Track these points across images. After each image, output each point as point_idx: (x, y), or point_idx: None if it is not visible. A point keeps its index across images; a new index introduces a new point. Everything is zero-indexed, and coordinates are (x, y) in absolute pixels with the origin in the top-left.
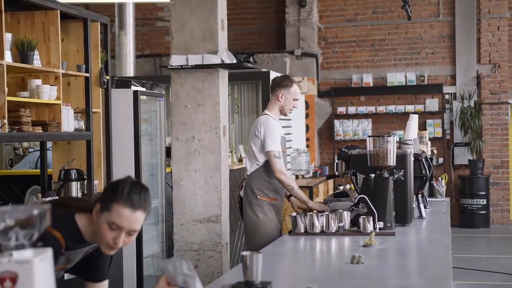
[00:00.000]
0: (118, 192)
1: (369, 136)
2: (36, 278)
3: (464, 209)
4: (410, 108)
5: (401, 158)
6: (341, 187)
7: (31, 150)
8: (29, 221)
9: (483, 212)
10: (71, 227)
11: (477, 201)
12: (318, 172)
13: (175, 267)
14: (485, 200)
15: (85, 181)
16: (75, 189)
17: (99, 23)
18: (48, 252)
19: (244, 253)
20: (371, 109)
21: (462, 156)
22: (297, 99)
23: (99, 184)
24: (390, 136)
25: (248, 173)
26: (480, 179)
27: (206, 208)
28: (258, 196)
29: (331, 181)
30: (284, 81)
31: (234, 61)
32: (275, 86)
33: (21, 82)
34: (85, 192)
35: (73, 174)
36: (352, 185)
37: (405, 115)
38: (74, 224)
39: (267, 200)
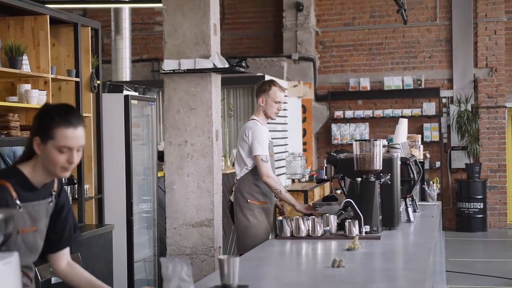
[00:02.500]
0: (54, 118)
1: (355, 140)
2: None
3: (461, 212)
4: (407, 112)
5: (388, 162)
6: (339, 191)
7: None
8: None
9: (480, 215)
10: (17, 175)
11: (474, 204)
12: (315, 176)
13: (174, 269)
14: (482, 203)
15: (76, 185)
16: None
17: (89, 28)
18: (14, 256)
19: (221, 257)
20: (368, 113)
21: (459, 160)
22: (278, 102)
23: (89, 189)
24: (376, 140)
25: (237, 178)
26: (477, 182)
27: (198, 212)
28: (248, 200)
29: (327, 185)
30: (263, 86)
31: (226, 65)
32: (256, 92)
33: (10, 87)
34: (76, 196)
35: (63, 179)
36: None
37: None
38: (19, 173)
39: (257, 204)
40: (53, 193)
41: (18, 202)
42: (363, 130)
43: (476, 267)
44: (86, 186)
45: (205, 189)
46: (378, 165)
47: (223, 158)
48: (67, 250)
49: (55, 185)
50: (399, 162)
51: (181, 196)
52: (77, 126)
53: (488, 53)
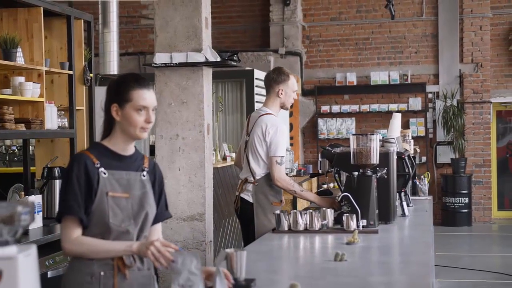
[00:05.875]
0: (129, 83)
1: (352, 134)
2: (20, 274)
3: (446, 207)
4: (393, 107)
5: (384, 156)
6: (325, 186)
7: (14, 148)
8: (13, 218)
9: (465, 210)
10: (98, 146)
11: (459, 199)
12: (302, 170)
13: (184, 262)
14: (467, 198)
15: None
16: (59, 187)
17: (82, 20)
18: (33, 249)
19: (229, 250)
20: (355, 107)
21: (445, 155)
22: (296, 90)
23: None
24: (373, 134)
25: (256, 177)
26: (463, 177)
27: (190, 206)
28: (273, 203)
29: (315, 180)
30: (281, 76)
31: (218, 59)
32: (272, 83)
33: (3, 79)
34: None
35: (57, 172)
36: (335, 183)
37: (389, 114)
38: (100, 144)
39: (279, 206)
40: (145, 168)
41: (102, 169)
42: (350, 125)
43: (462, 261)
44: None
45: (197, 183)
46: (375, 159)
47: (213, 152)
48: (159, 227)
49: (146, 161)
50: (395, 157)
51: (172, 190)
52: (149, 88)
53: (473, 49)
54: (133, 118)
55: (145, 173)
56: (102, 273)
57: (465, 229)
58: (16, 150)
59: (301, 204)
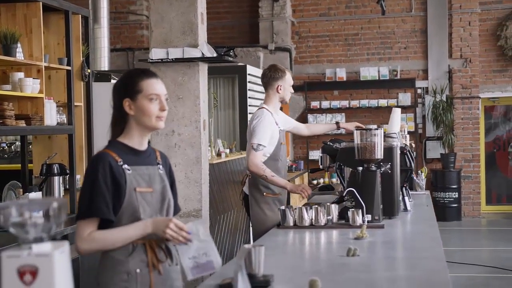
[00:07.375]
0: (136, 75)
1: (356, 129)
2: (56, 271)
3: (436, 202)
4: (383, 102)
5: (388, 151)
6: (315, 182)
7: (4, 145)
8: (48, 214)
9: (455, 205)
10: (116, 144)
11: (449, 194)
12: (294, 166)
13: (191, 233)
14: (456, 193)
15: (68, 175)
16: (57, 184)
17: (80, 15)
18: (66, 246)
19: (247, 246)
20: (345, 103)
21: (434, 150)
22: (292, 84)
23: (81, 179)
24: (377, 129)
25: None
26: (452, 172)
27: (186, 202)
28: (264, 193)
29: (306, 175)
30: (278, 73)
31: (215, 54)
32: (271, 81)
33: (2, 75)
34: (67, 187)
35: (56, 169)
36: (327, 179)
37: (378, 109)
38: (117, 142)
39: (272, 196)
40: (159, 162)
41: (125, 166)
42: (340, 120)
43: (454, 256)
44: (78, 176)
45: (193, 179)
46: (379, 154)
47: (209, 148)
48: None
49: (158, 155)
50: (398, 151)
51: None
52: (157, 77)
53: (462, 44)
54: (147, 107)
55: (161, 166)
56: (138, 270)
57: (455, 224)
58: (6, 147)
59: (294, 200)
